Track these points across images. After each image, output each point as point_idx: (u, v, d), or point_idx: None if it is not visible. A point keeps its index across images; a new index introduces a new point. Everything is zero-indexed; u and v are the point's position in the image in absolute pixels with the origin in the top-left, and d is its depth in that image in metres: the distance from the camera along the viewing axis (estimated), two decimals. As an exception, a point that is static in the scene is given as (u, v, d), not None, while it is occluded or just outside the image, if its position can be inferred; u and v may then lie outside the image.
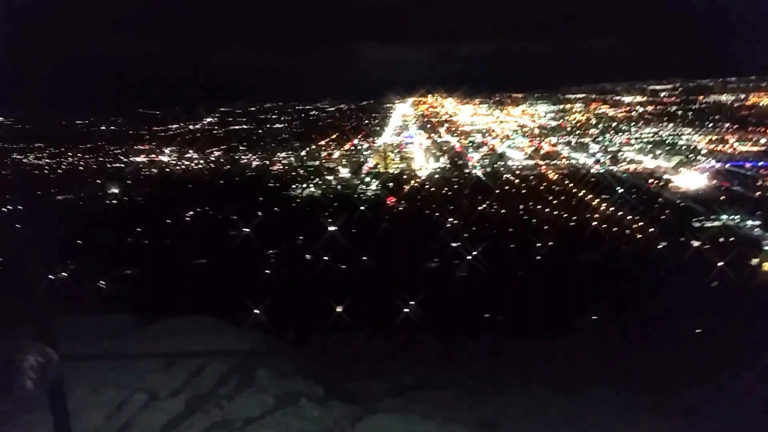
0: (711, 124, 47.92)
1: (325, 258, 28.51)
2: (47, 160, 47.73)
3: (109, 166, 47.75)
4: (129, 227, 34.92)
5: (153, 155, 49.71)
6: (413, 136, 53.23)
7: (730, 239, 31.06)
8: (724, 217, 34.15)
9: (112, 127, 52.58)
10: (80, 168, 47.31)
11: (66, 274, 26.64)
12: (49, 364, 3.13)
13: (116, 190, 42.12)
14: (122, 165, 48.08)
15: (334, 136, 53.14)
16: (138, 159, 49.08)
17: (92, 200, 40.45)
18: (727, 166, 41.98)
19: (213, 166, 49.41)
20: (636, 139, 49.44)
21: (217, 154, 50.82)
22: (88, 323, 10.14)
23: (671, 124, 49.68)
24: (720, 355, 10.37)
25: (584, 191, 40.20)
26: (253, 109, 55.82)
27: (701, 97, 50.38)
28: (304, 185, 45.99)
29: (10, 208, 37.49)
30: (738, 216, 33.84)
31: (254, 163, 49.89)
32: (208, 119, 54.74)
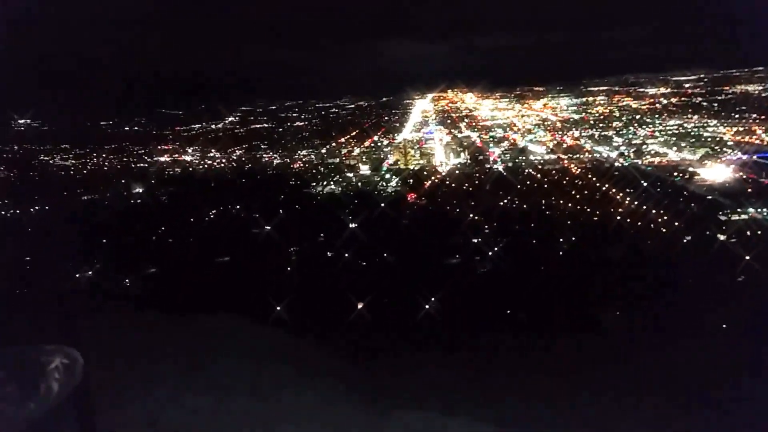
0: (737, 115, 46.94)
1: (346, 255, 28.56)
2: (73, 161, 48.53)
3: (133, 166, 48.39)
4: (153, 226, 35.33)
5: (176, 155, 50.26)
6: (433, 132, 53.04)
7: (757, 232, 30.41)
8: (751, 210, 33.46)
9: (136, 128, 53.31)
10: (105, 168, 48.02)
11: (91, 273, 27.14)
12: (73, 366, 3.19)
13: (140, 190, 42.66)
14: (146, 165, 48.69)
15: (354, 133, 53.21)
16: (161, 159, 49.68)
17: (117, 200, 41.00)
18: (754, 157, 41.07)
19: (235, 164, 49.79)
20: (660, 131, 48.67)
21: (238, 152, 51.20)
22: (114, 321, 10.29)
23: (696, 116, 48.80)
24: (746, 350, 10.20)
25: (608, 185, 39.69)
26: (273, 107, 56.14)
27: (727, 88, 49.40)
28: (325, 183, 46.11)
29: (38, 208, 38.21)
30: (765, 209, 33.16)
31: (275, 162, 50.16)
32: (230, 118, 55.17)
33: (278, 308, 20.45)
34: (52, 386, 3.04)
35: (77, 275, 26.60)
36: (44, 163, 47.86)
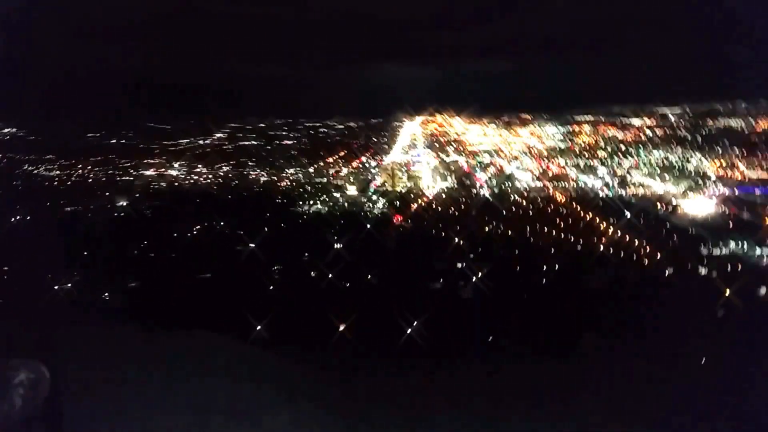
0: (720, 149, 47.72)
1: (330, 275, 28.47)
2: (57, 172, 48.06)
3: (118, 178, 48.02)
4: (136, 240, 35.03)
5: (162, 169, 49.99)
6: (421, 155, 53.32)
7: (737, 268, 30.79)
8: (732, 244, 33.90)
9: (123, 141, 52.98)
10: (89, 180, 47.60)
11: (70, 285, 26.77)
12: (39, 380, 3.14)
13: (124, 203, 42.30)
14: (131, 178, 48.34)
15: (342, 154, 53.31)
16: (147, 172, 49.37)
17: (100, 212, 40.61)
18: (736, 192, 41.72)
19: (221, 181, 49.60)
20: (644, 162, 49.33)
21: (225, 169, 51.03)
22: (91, 335, 10.15)
23: (680, 148, 49.52)
24: (725, 386, 10.27)
25: (591, 214, 40.08)
26: (262, 125, 56.12)
27: (711, 122, 50.25)
28: (311, 202, 46.07)
29: (19, 218, 37.75)
30: (746, 244, 33.60)
31: (262, 179, 50.05)
32: (218, 135, 55.04)
33: (258, 327, 20.28)
34: (15, 401, 2.99)
35: (56, 287, 26.23)
36: (28, 173, 47.36)
